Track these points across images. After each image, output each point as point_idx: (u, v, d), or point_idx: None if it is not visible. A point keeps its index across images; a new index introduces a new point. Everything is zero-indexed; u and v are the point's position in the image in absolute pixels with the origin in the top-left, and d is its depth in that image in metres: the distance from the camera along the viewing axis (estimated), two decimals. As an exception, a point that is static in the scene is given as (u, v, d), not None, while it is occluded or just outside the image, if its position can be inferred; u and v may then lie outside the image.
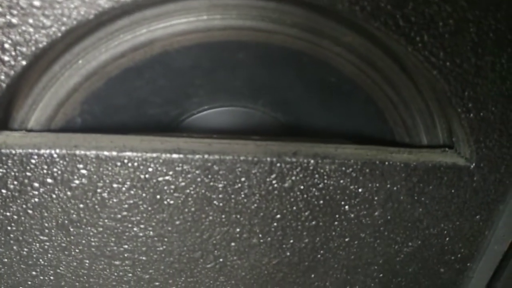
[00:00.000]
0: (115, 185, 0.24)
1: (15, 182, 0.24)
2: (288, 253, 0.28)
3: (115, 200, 0.25)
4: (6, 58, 0.21)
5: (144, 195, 0.25)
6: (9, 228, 0.25)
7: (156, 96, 0.27)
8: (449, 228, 0.28)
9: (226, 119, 0.29)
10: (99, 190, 0.24)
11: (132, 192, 0.24)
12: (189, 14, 0.23)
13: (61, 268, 0.27)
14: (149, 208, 0.25)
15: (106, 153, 0.23)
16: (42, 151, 0.23)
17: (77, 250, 0.26)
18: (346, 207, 0.26)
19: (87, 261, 0.27)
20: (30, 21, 0.20)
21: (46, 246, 0.26)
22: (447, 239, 0.28)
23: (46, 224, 0.25)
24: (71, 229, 0.25)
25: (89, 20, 0.21)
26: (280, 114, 0.29)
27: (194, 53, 0.25)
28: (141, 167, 0.24)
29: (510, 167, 0.26)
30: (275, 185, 0.25)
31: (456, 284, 0.31)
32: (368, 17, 0.21)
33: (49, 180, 0.24)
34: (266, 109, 0.29)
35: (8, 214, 0.25)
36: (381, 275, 0.29)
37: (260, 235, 0.27)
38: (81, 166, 0.23)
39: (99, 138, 0.24)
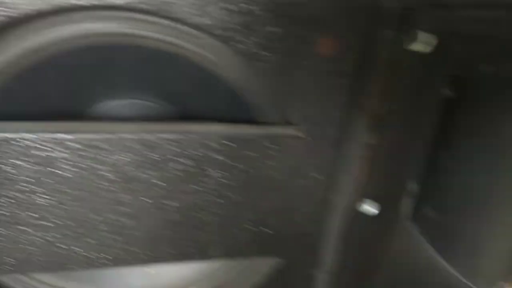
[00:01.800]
0: (19, 162, 0.29)
1: None
2: (171, 214, 0.34)
3: (21, 176, 0.30)
4: None
5: (46, 170, 0.30)
6: None
7: (52, 94, 0.32)
8: (297, 183, 0.36)
9: (120, 111, 0.36)
10: (6, 168, 0.29)
11: (35, 168, 0.30)
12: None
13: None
14: (50, 181, 0.30)
15: (7, 135, 0.28)
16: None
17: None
18: (212, 172, 0.33)
19: (2, 229, 0.32)
20: None
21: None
22: (297, 192, 0.36)
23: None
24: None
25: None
26: (164, 103, 0.36)
27: (82, 55, 0.30)
28: (41, 146, 0.29)
29: (330, 138, 0.35)
30: (154, 158, 0.31)
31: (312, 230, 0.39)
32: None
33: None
34: (152, 99, 0.36)
35: None
36: (248, 226, 0.37)
37: (147, 200, 0.33)
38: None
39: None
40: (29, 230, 0.32)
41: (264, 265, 0.41)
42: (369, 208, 0.39)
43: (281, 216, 0.37)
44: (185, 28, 0.30)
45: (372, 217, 0.39)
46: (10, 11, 0.26)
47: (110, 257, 0.35)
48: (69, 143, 0.29)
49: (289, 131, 0.33)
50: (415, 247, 0.52)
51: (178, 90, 0.35)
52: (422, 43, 0.31)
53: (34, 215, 0.31)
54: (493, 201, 0.47)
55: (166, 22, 0.29)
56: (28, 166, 0.29)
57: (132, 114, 0.37)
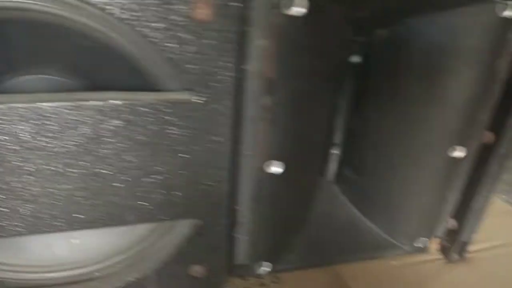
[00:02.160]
0: None
1: None
2: (76, 181, 0.36)
3: None
4: None
5: None
6: None
7: None
8: (200, 148, 0.38)
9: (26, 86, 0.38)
10: None
11: None
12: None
13: None
14: None
15: None
16: None
17: None
18: (112, 139, 0.35)
19: None
20: None
21: None
22: (202, 156, 0.39)
23: None
24: None
25: None
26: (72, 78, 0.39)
27: None
28: None
29: (226, 102, 0.37)
30: (53, 127, 0.34)
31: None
32: None
33: None
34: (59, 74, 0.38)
35: None
36: (158, 190, 0.39)
37: (51, 168, 0.35)
38: None
39: None
40: None
41: (184, 228, 0.43)
42: (276, 168, 0.41)
43: (190, 180, 0.39)
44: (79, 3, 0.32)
45: (281, 178, 0.42)
46: None
47: (23, 225, 0.37)
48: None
49: (184, 96, 0.35)
50: (339, 207, 0.55)
51: (77, 63, 0.37)
52: (299, 7, 0.33)
53: None
54: (405, 161, 0.50)
55: None
56: None
57: (39, 89, 0.39)
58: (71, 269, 0.44)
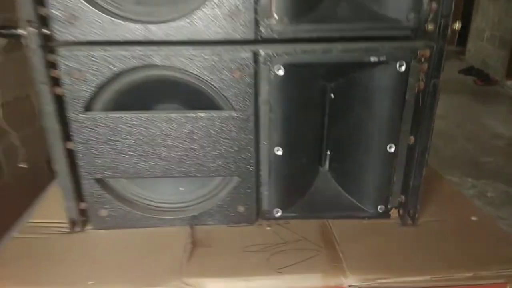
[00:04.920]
0: (127, 127, 0.75)
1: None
2: (180, 153, 0.77)
3: (126, 130, 0.76)
4: None
5: (135, 129, 0.76)
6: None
7: (135, 101, 0.76)
8: (236, 140, 0.77)
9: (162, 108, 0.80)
10: (123, 127, 0.74)
11: (133, 128, 0.76)
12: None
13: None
14: (135, 133, 0.77)
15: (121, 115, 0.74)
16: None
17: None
18: (199, 132, 0.77)
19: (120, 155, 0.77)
20: None
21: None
22: (238, 144, 0.77)
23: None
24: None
25: None
26: (181, 104, 0.80)
27: (146, 84, 0.76)
28: (133, 120, 0.76)
29: (251, 115, 0.73)
30: (172, 128, 0.76)
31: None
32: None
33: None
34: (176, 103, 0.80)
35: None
36: (221, 159, 0.79)
37: (171, 144, 0.78)
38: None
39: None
40: (126, 155, 0.78)
41: (232, 182, 0.82)
42: (279, 151, 0.78)
43: (235, 156, 0.79)
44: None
45: (283, 157, 0.79)
46: (119, 67, 0.73)
47: (158, 172, 0.80)
48: (142, 118, 0.75)
49: (231, 113, 0.76)
50: (328, 184, 0.89)
51: (188, 99, 0.80)
52: (279, 71, 0.71)
53: (130, 148, 0.78)
54: (364, 154, 0.83)
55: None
56: (128, 128, 0.76)
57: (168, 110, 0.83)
58: (176, 202, 0.86)
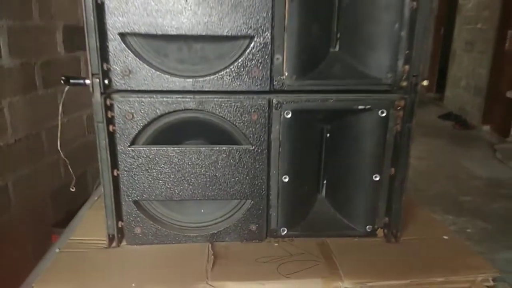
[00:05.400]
0: (164, 159, 0.95)
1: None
2: (207, 179, 0.97)
3: (158, 157, 0.95)
4: None
5: (172, 159, 0.95)
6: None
7: (171, 138, 0.96)
8: (252, 169, 0.96)
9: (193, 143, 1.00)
10: (160, 159, 0.93)
11: (169, 159, 0.95)
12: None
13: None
14: (171, 162, 0.96)
15: (157, 148, 0.91)
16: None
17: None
18: (221, 162, 0.97)
19: (158, 180, 0.95)
20: None
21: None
22: (253, 173, 0.97)
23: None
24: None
25: None
26: (205, 141, 0.99)
27: (181, 123, 0.97)
28: (169, 152, 0.95)
29: (265, 151, 0.96)
30: (202, 158, 0.95)
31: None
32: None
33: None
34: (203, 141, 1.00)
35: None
36: (238, 185, 0.99)
37: (201, 171, 0.97)
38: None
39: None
40: (161, 181, 0.95)
41: (246, 205, 0.99)
42: (286, 179, 0.97)
43: (250, 182, 0.97)
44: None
45: (289, 183, 0.97)
46: (162, 110, 0.92)
47: (186, 194, 0.97)
48: (177, 151, 0.94)
49: (248, 147, 0.95)
50: (326, 208, 1.07)
51: (212, 136, 0.98)
52: (288, 115, 0.91)
53: (165, 175, 0.95)
54: (353, 181, 1.02)
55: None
56: (164, 158, 0.94)
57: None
58: (199, 222, 1.02)
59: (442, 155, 4.09)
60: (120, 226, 0.99)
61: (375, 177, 0.98)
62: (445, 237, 1.05)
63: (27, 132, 2.04)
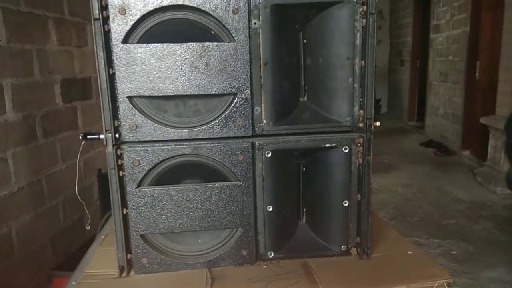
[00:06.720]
0: (166, 197, 1.11)
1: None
2: (202, 210, 1.15)
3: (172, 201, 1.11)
4: None
5: (169, 197, 1.12)
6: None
7: (172, 178, 1.13)
8: (241, 201, 1.15)
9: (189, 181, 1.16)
10: (161, 198, 1.09)
11: (167, 195, 1.12)
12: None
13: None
14: (171, 198, 1.13)
15: (171, 192, 1.09)
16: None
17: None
18: (214, 197, 1.14)
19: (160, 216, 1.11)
20: None
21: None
22: (242, 204, 1.15)
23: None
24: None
25: None
26: (199, 179, 1.15)
27: (180, 166, 1.12)
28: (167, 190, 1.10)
29: (251, 186, 1.13)
30: (199, 193, 1.14)
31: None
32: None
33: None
34: (198, 179, 1.15)
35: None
36: (229, 216, 1.16)
37: (197, 204, 1.15)
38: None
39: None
40: (164, 216, 1.12)
41: (238, 233, 1.16)
42: (270, 209, 1.14)
43: (240, 213, 1.14)
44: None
45: (273, 212, 1.14)
46: (163, 156, 1.10)
47: (185, 226, 1.13)
48: (177, 189, 1.11)
49: (236, 183, 1.14)
50: (305, 232, 1.24)
51: (205, 175, 1.17)
52: (269, 153, 1.10)
53: (167, 211, 1.12)
54: (327, 208, 1.20)
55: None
56: (166, 197, 1.11)
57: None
58: (197, 251, 1.18)
59: (425, 180, 4.29)
60: (129, 258, 1.15)
61: (345, 203, 1.17)
62: (410, 252, 1.22)
63: (29, 180, 2.19)
